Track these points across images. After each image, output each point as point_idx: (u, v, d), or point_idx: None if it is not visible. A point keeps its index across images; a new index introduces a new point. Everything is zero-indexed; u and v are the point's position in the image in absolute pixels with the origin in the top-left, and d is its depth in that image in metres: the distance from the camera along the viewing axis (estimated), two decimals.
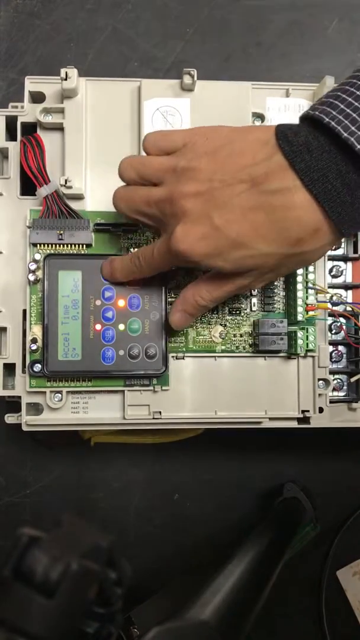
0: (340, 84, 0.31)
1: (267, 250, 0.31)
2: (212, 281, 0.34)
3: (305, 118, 0.30)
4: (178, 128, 0.41)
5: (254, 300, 0.41)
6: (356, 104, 0.28)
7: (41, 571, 0.18)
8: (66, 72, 0.39)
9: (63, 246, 0.39)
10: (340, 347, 0.44)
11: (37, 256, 0.39)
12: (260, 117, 0.42)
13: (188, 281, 0.40)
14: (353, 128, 0.27)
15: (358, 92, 0.28)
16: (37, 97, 0.41)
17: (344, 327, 0.43)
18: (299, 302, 0.39)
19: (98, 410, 0.41)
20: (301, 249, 0.31)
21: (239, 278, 0.33)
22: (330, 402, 0.42)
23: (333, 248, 0.42)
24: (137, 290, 0.39)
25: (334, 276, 0.43)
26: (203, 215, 0.31)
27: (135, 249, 0.40)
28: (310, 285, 0.40)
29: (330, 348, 0.43)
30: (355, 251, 0.43)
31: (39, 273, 0.39)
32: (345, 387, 0.44)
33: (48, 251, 0.39)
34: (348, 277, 0.43)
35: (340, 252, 0.43)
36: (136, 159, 0.35)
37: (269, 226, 0.30)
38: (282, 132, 0.30)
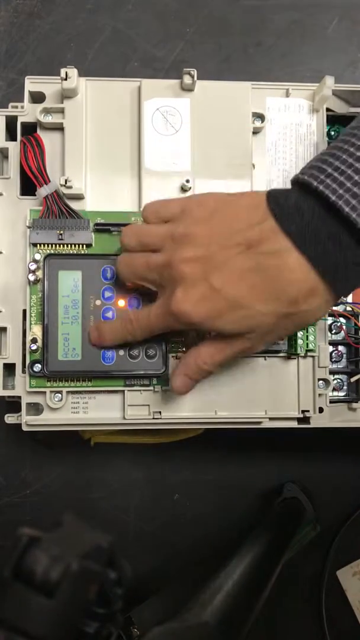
0: (329, 147, 0.32)
1: (264, 309, 0.31)
2: (213, 345, 0.34)
3: (295, 182, 0.31)
4: (178, 128, 0.41)
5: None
6: (343, 167, 0.29)
7: (41, 571, 0.18)
8: (66, 72, 0.39)
9: (63, 246, 0.39)
10: (340, 347, 0.44)
11: (37, 256, 0.39)
12: (260, 117, 0.42)
13: None
14: (340, 191, 0.28)
15: (344, 156, 0.29)
16: (37, 97, 0.41)
17: (344, 327, 0.43)
18: None
19: (98, 410, 0.41)
20: (298, 308, 0.31)
21: (239, 341, 0.33)
22: (330, 402, 0.42)
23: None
24: (137, 291, 0.39)
25: None
26: (202, 278, 0.32)
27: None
28: None
29: (330, 348, 0.43)
30: None
31: (39, 273, 0.39)
32: (345, 387, 0.44)
33: (48, 251, 0.39)
34: None
35: None
36: (137, 227, 0.37)
37: (265, 286, 0.31)
38: (274, 197, 0.31)
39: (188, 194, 0.41)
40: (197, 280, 0.32)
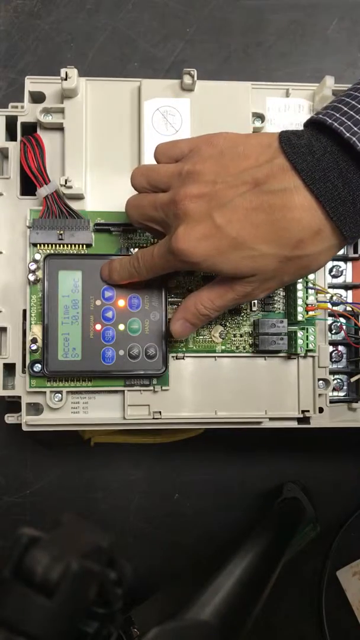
0: (345, 91, 0.31)
1: (267, 251, 0.30)
2: (214, 289, 0.34)
3: (309, 122, 0.31)
4: (178, 128, 0.41)
5: (254, 300, 0.41)
6: (359, 106, 0.28)
7: (41, 571, 0.18)
8: (66, 72, 0.39)
9: (63, 246, 0.39)
10: (340, 347, 0.44)
11: (37, 256, 0.39)
12: (260, 117, 0.42)
13: (188, 280, 0.41)
14: (355, 129, 0.28)
15: None
16: (37, 97, 0.41)
17: (344, 327, 0.43)
18: (299, 302, 0.39)
19: (98, 410, 0.41)
20: (302, 251, 0.30)
21: (240, 285, 0.33)
22: (330, 402, 0.42)
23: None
24: (137, 291, 0.39)
25: (334, 276, 0.43)
26: (205, 215, 0.31)
27: (136, 250, 0.40)
28: (310, 285, 0.40)
29: (330, 348, 0.43)
30: (355, 251, 0.43)
31: (39, 273, 0.39)
32: (345, 387, 0.44)
33: (48, 251, 0.39)
34: (348, 277, 0.43)
35: (340, 252, 0.43)
36: (146, 167, 0.36)
37: (270, 226, 0.30)
38: (286, 136, 0.30)
39: None
40: (201, 218, 0.31)
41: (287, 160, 0.29)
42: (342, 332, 0.43)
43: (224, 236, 0.31)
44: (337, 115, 0.29)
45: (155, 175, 0.34)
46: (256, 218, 0.30)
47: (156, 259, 0.34)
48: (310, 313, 0.40)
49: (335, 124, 0.28)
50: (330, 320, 0.43)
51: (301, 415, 0.41)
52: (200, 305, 0.34)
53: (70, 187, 0.39)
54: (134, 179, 0.35)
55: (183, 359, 0.41)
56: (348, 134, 0.28)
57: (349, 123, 0.28)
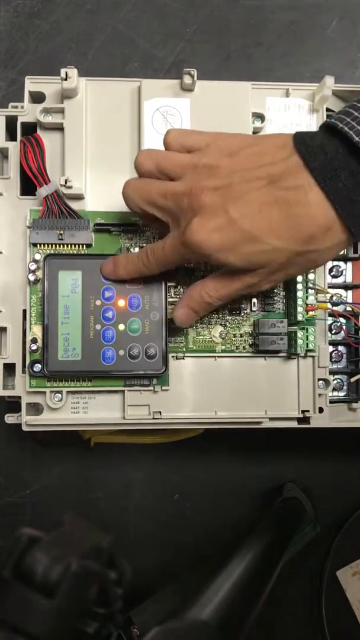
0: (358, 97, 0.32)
1: (279, 245, 0.31)
2: (221, 279, 0.34)
3: (322, 126, 0.32)
4: (178, 126, 0.41)
5: (254, 300, 0.41)
6: None
7: (41, 571, 0.18)
8: (66, 72, 0.39)
9: (63, 246, 0.39)
10: (340, 347, 0.44)
11: (37, 256, 0.39)
12: (260, 117, 0.42)
13: (188, 280, 0.40)
14: None
15: None
16: (37, 97, 0.41)
17: (344, 327, 0.43)
18: (299, 302, 0.39)
19: (98, 410, 0.41)
20: (312, 246, 0.31)
21: (247, 276, 0.33)
22: (330, 402, 0.42)
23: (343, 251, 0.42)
24: (137, 290, 0.39)
25: (334, 276, 0.43)
26: (220, 208, 0.31)
27: (136, 249, 0.40)
28: (310, 285, 0.40)
29: (330, 348, 0.43)
30: (355, 251, 0.43)
31: (39, 273, 0.39)
32: (345, 387, 0.44)
33: (48, 251, 0.39)
34: (348, 277, 0.43)
35: (340, 252, 0.43)
36: (157, 151, 0.36)
37: (283, 221, 0.31)
38: (300, 137, 0.31)
39: None
40: (216, 211, 0.32)
41: (301, 159, 0.30)
42: (342, 332, 0.43)
43: (237, 229, 0.31)
44: (348, 119, 0.30)
45: (167, 163, 0.34)
46: (270, 213, 0.31)
47: (168, 252, 0.34)
48: (310, 313, 0.40)
49: (346, 128, 0.29)
50: (330, 320, 0.43)
51: (301, 415, 0.41)
52: (205, 293, 0.35)
53: (70, 187, 0.39)
54: (141, 161, 0.35)
55: (183, 359, 0.41)
56: (357, 138, 0.29)
57: (359, 128, 0.29)
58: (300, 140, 0.31)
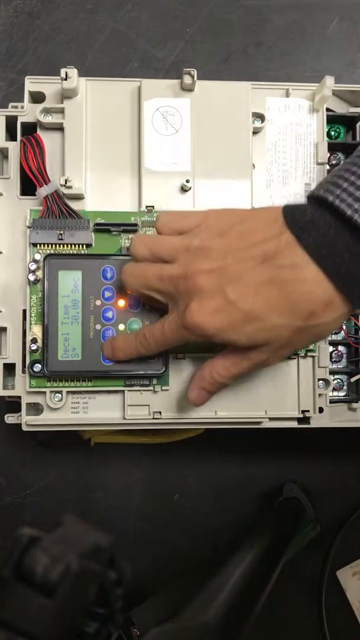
0: (344, 162, 0.32)
1: (280, 322, 0.31)
2: (229, 358, 0.34)
3: (311, 197, 0.32)
4: (178, 128, 0.41)
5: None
6: (359, 182, 0.29)
7: (41, 571, 0.18)
8: (66, 72, 0.39)
9: (63, 246, 0.39)
10: (340, 347, 0.44)
11: (37, 256, 0.39)
12: (260, 117, 0.42)
13: None
14: (356, 206, 0.29)
15: None
16: (37, 97, 0.41)
17: (344, 327, 0.43)
18: None
19: (98, 410, 0.41)
20: (314, 322, 0.31)
21: (254, 353, 0.33)
22: (330, 402, 0.42)
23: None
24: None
25: None
26: (217, 290, 0.31)
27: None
28: None
29: (330, 348, 0.43)
30: None
31: (39, 273, 0.39)
32: (345, 387, 0.44)
33: (48, 251, 0.39)
34: None
35: None
36: (149, 237, 0.36)
37: (282, 299, 0.31)
38: (290, 211, 0.31)
39: (188, 194, 0.41)
40: (213, 292, 0.32)
41: (293, 235, 0.30)
42: (342, 332, 0.43)
43: (237, 310, 0.31)
44: (338, 192, 0.29)
45: (160, 248, 0.35)
46: (268, 292, 0.31)
47: (167, 334, 0.34)
48: None
49: (337, 202, 0.29)
50: None
51: (301, 415, 0.41)
52: (216, 373, 0.35)
53: (70, 187, 0.39)
54: (135, 247, 0.36)
55: (183, 358, 0.41)
56: (350, 212, 0.29)
57: (350, 200, 0.29)
58: (290, 215, 0.31)
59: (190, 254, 0.33)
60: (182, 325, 0.33)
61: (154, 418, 0.40)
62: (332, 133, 0.44)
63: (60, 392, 0.40)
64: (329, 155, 0.43)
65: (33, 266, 0.39)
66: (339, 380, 0.43)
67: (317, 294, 0.30)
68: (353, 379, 0.43)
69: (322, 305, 0.30)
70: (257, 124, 0.42)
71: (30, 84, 0.41)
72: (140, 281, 0.35)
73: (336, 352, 0.43)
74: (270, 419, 0.41)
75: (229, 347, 0.34)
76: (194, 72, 0.40)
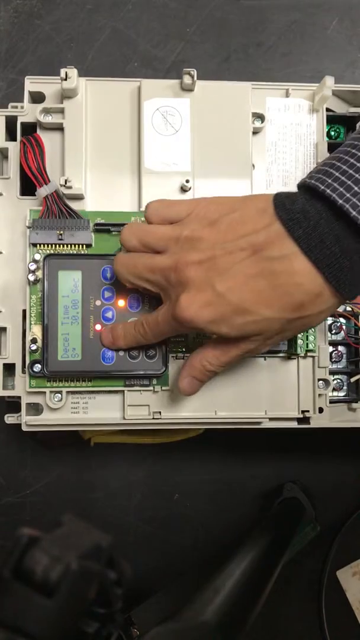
0: (335, 151, 0.32)
1: (270, 315, 0.31)
2: (219, 346, 0.34)
3: (301, 186, 0.31)
4: (178, 128, 0.41)
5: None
6: (350, 171, 0.29)
7: (41, 571, 0.18)
8: (66, 72, 0.39)
9: (63, 246, 0.39)
10: (340, 347, 0.44)
11: (37, 256, 0.39)
12: (260, 117, 0.42)
13: None
14: (348, 195, 0.28)
15: (352, 160, 0.29)
16: (37, 97, 0.41)
17: (344, 327, 0.43)
18: None
19: (98, 410, 0.41)
20: (303, 313, 0.31)
21: (244, 343, 0.33)
22: (330, 402, 0.42)
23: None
24: (137, 290, 0.39)
25: None
26: (206, 282, 0.31)
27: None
28: None
29: (330, 348, 0.43)
30: None
31: (39, 273, 0.39)
32: (345, 387, 0.44)
33: (48, 251, 0.39)
34: None
35: None
36: (139, 227, 0.36)
37: (271, 292, 0.30)
38: (280, 201, 0.31)
39: (188, 194, 0.41)
40: (202, 285, 0.32)
41: (283, 227, 0.30)
42: (342, 332, 0.43)
43: (226, 303, 0.31)
44: (329, 181, 0.29)
45: (150, 238, 0.34)
46: (257, 284, 0.31)
47: (162, 325, 0.35)
48: None
49: (328, 191, 0.29)
50: (330, 320, 0.43)
51: (301, 416, 0.41)
52: (206, 362, 0.35)
53: (70, 187, 0.39)
54: (125, 236, 0.35)
55: (183, 358, 0.41)
56: (341, 201, 0.28)
57: (341, 189, 0.29)
58: (281, 205, 0.30)
59: (180, 245, 0.33)
60: (173, 317, 0.33)
61: (153, 418, 0.40)
62: (332, 133, 0.44)
63: (60, 392, 0.40)
64: (329, 155, 0.43)
65: (33, 266, 0.39)
66: (338, 381, 0.43)
67: (306, 286, 0.30)
68: (353, 379, 0.43)
69: (311, 296, 0.30)
70: (257, 124, 0.42)
71: (30, 84, 0.41)
72: (131, 271, 0.35)
73: (336, 352, 0.43)
74: (270, 419, 0.41)
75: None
76: (194, 72, 0.40)
